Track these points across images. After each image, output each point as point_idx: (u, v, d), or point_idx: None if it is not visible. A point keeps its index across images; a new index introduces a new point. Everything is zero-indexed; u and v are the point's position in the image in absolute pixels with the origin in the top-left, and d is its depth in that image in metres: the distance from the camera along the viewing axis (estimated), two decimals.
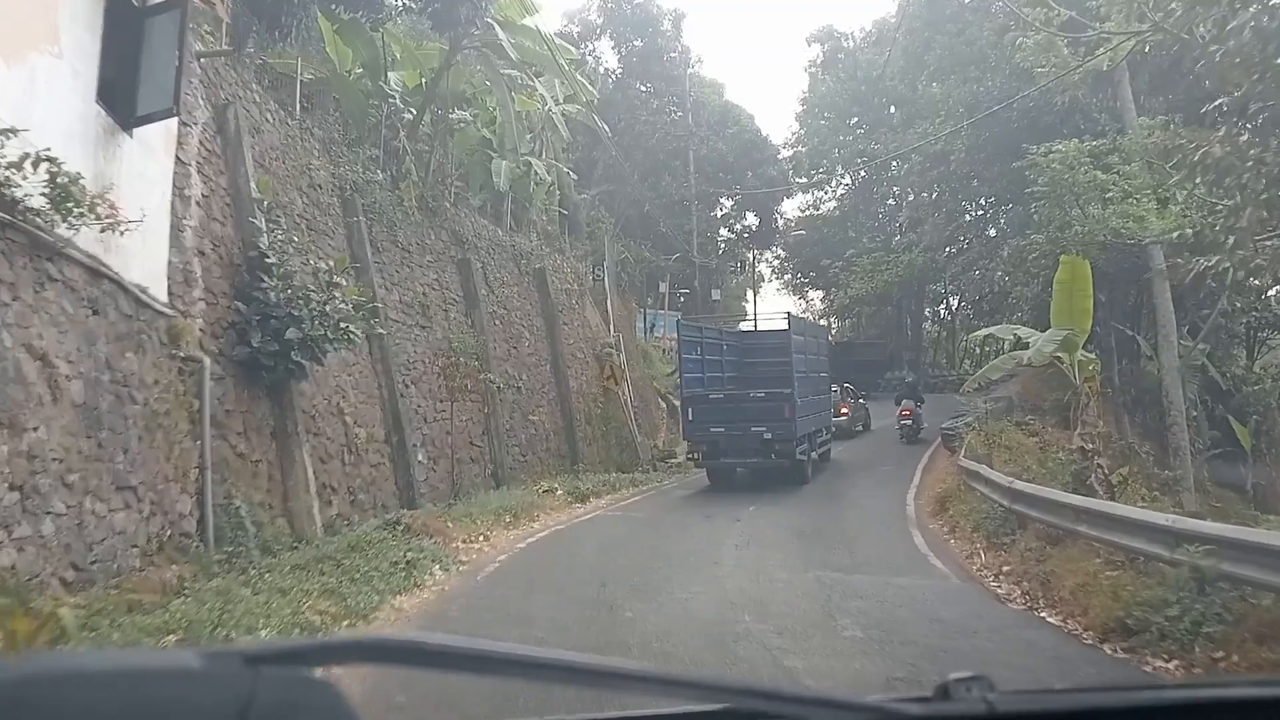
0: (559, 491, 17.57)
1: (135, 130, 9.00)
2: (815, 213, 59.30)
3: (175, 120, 9.92)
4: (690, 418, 19.75)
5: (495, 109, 22.40)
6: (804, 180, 49.29)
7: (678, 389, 23.22)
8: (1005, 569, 10.66)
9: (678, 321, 28.06)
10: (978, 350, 63.16)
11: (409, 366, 16.79)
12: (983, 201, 25.94)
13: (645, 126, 41.55)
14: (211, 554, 9.25)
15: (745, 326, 30.53)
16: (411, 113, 19.51)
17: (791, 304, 62.05)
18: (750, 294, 56.48)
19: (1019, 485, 11.85)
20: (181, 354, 9.84)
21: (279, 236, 11.93)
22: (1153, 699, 1.32)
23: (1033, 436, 19.61)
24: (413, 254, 18.15)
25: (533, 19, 21.08)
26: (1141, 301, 22.81)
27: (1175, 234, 14.97)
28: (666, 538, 13.55)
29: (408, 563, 9.75)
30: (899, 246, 40.97)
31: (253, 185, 11.87)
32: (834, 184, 60.22)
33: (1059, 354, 16.12)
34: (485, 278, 20.71)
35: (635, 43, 41.29)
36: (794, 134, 47.68)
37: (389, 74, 18.60)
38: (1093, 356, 16.53)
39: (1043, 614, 8.66)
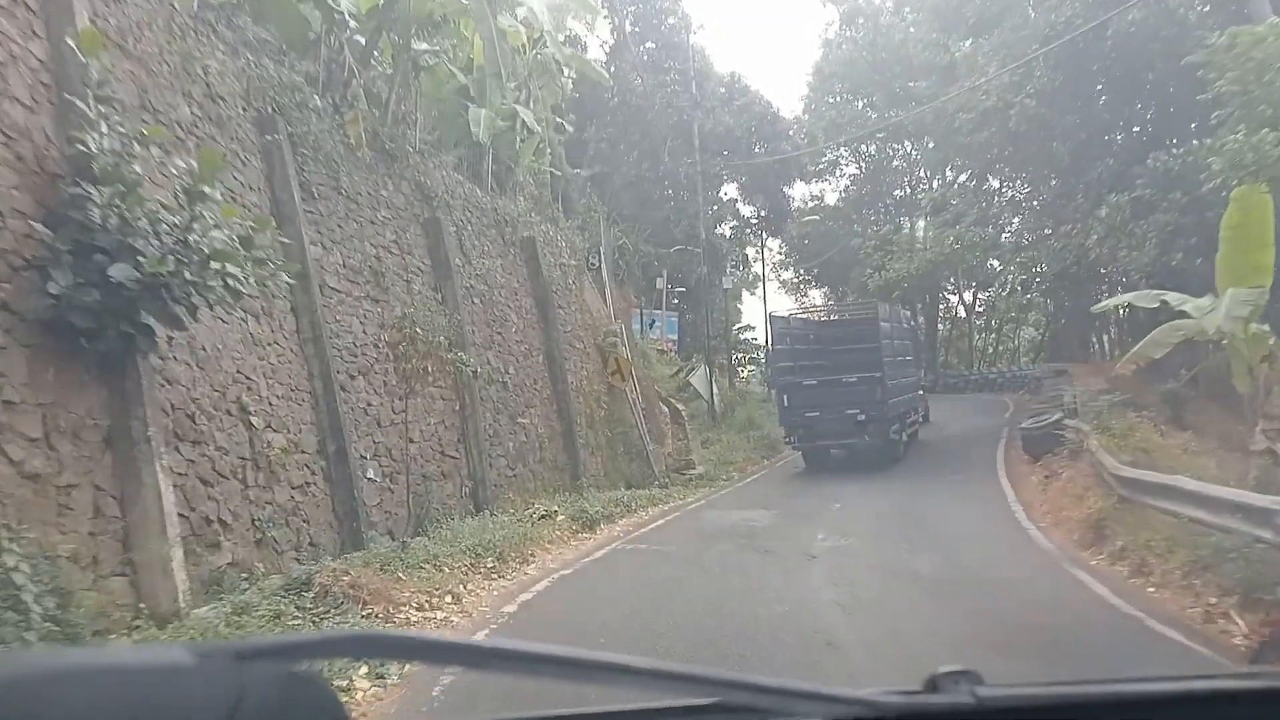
0: (559, 516, 13.17)
1: None
2: (819, 204, 55.33)
3: None
4: (786, 404, 20.90)
5: (474, 45, 18.08)
6: (812, 167, 45.11)
7: (768, 379, 25.89)
8: None
9: (768, 314, 28.20)
10: (992, 349, 59.49)
11: (355, 352, 12.37)
12: (1064, 155, 21.72)
13: (642, 100, 37.21)
14: None
15: (829, 316, 29.57)
16: (362, 39, 15.12)
17: (790, 304, 57.76)
18: (748, 294, 52.02)
19: None
20: None
21: (120, 130, 7.49)
22: (1139, 692, 1.30)
23: (1158, 435, 15.28)
24: (362, 205, 13.73)
25: None
26: None
27: None
28: (726, 589, 9.17)
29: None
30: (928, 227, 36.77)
31: (75, 49, 7.41)
32: (838, 174, 56.39)
33: (1228, 325, 11.98)
34: (460, 244, 16.30)
35: (631, 6, 36.98)
36: (804, 107, 43.37)
37: None
38: (1266, 329, 12.31)
39: None
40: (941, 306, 55.72)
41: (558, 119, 22.19)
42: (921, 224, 47.59)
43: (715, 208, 39.03)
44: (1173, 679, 1.33)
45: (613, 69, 39.07)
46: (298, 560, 9.92)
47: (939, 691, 1.17)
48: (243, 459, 9.39)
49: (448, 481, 14.08)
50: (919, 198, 47.27)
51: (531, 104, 20.78)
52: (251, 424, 9.63)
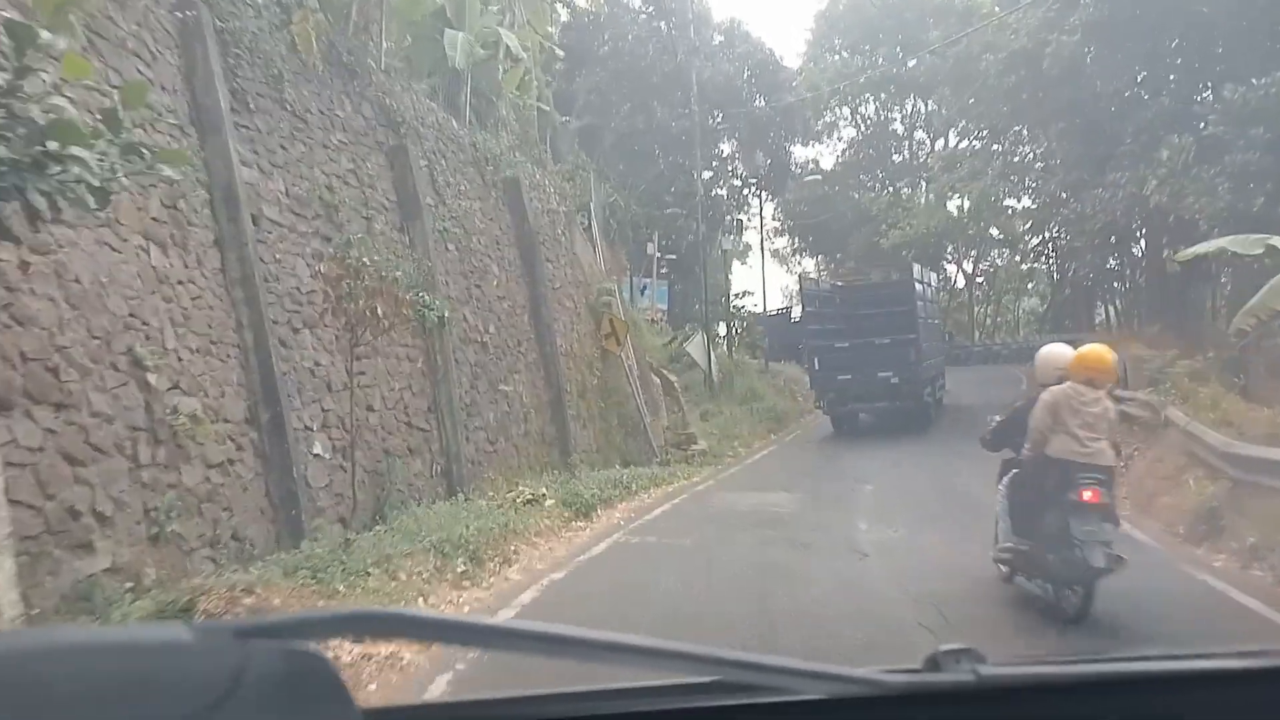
0: (548, 501, 10.93)
1: None
2: (816, 167, 52.97)
3: None
4: (817, 367, 20.89)
5: None
6: (815, 124, 42.66)
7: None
8: None
9: (800, 275, 29.40)
10: (990, 320, 57.53)
11: (300, 299, 10.05)
12: (1109, 97, 19.46)
13: (636, 46, 34.71)
14: None
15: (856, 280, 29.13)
16: None
17: (781, 275, 55.21)
18: (739, 263, 49.50)
19: None
20: None
21: None
22: (1139, 670, 1.30)
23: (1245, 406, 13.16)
24: (312, 125, 11.36)
25: None
26: None
27: None
28: (771, 604, 6.98)
29: None
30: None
31: None
32: (835, 137, 53.96)
33: None
34: (432, 179, 13.95)
35: None
36: (806, 54, 40.80)
37: None
38: None
39: None
40: (939, 276, 53.76)
41: (548, 45, 19.74)
42: (924, 186, 45.47)
43: (714, 164, 36.58)
44: (1172, 657, 1.30)
45: (605, 12, 36.58)
46: (213, 560, 7.69)
47: (940, 670, 1.16)
48: (134, 429, 7.11)
49: (415, 458, 11.83)
50: (925, 160, 45.11)
51: (516, 29, 18.37)
52: (148, 384, 7.34)
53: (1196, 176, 15.64)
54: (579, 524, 10.70)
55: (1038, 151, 25.49)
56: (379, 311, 8.36)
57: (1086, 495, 6.33)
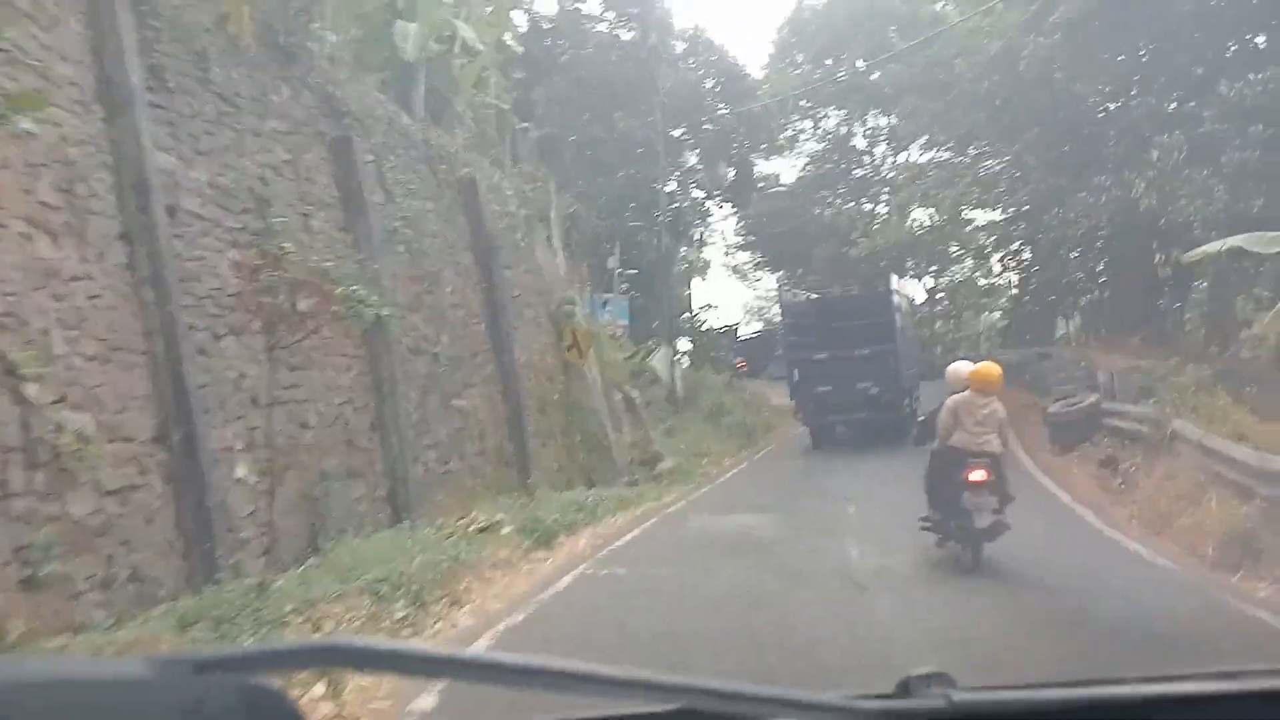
0: (505, 528, 9.79)
1: None
2: (777, 181, 52.50)
3: None
4: (797, 378, 20.75)
5: None
6: (779, 136, 42.04)
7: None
8: None
9: (779, 287, 29.29)
10: (951, 335, 57.28)
11: (222, 303, 8.86)
12: (1091, 97, 18.72)
13: (597, 51, 33.80)
14: None
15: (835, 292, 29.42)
16: None
17: (743, 291, 54.51)
18: (699, 279, 48.48)
19: None
20: None
21: None
22: (1111, 694, 1.28)
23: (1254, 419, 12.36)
24: (243, 111, 10.16)
25: None
26: None
27: None
28: (764, 654, 5.93)
29: None
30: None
31: None
32: (796, 151, 53.55)
33: None
34: (380, 176, 12.81)
35: None
36: (770, 63, 40.16)
37: None
38: None
39: None
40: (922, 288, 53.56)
41: (508, 43, 18.69)
42: (887, 201, 45.07)
43: (677, 175, 35.69)
44: (1144, 680, 1.30)
45: (563, 20, 35.68)
46: (105, 605, 6.47)
47: (912, 695, 1.15)
48: (3, 450, 5.92)
49: (357, 481, 10.64)
50: (887, 175, 44.82)
51: (474, 24, 17.29)
52: (24, 395, 6.15)
53: (1189, 178, 14.95)
54: (540, 554, 9.58)
55: (1010, 159, 24.77)
56: (297, 306, 7.16)
57: (975, 475, 8.10)
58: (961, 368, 9.17)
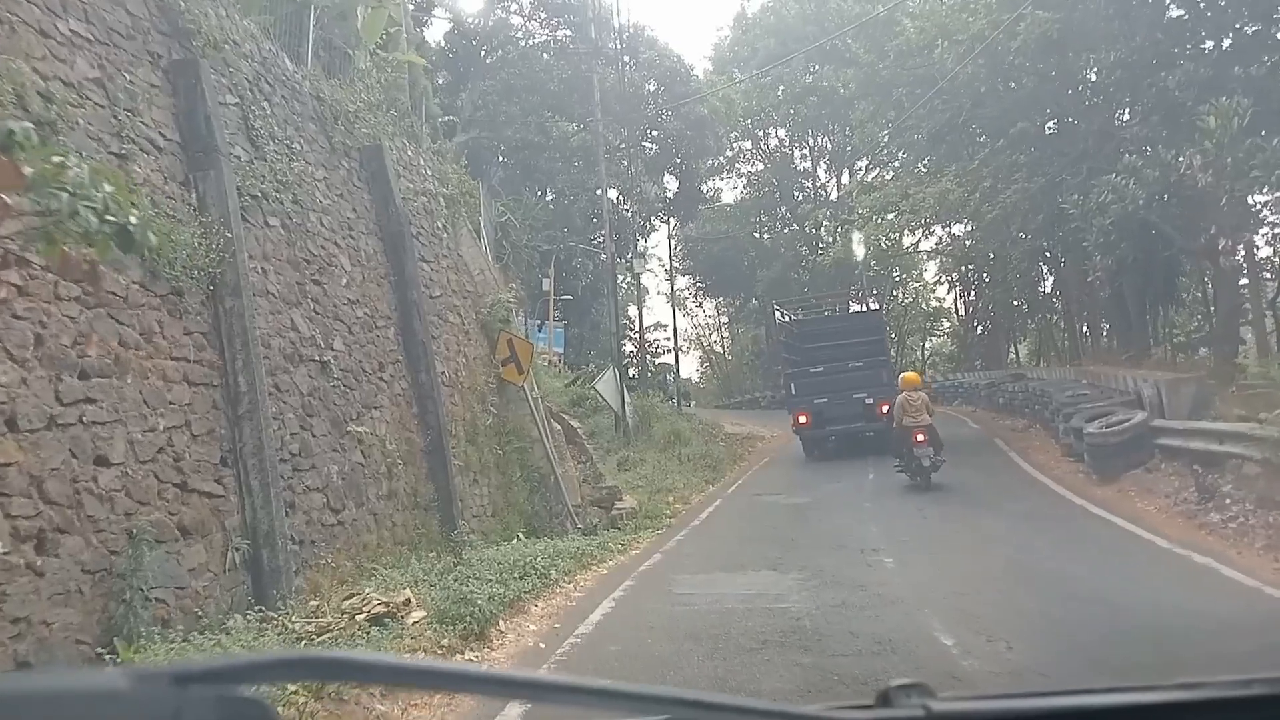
0: (415, 615, 6.38)
1: None
2: (717, 200, 50.09)
3: None
4: (794, 391, 21.49)
5: None
6: (723, 154, 39.45)
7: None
8: None
9: (773, 304, 29.39)
10: (896, 360, 55.30)
11: None
12: (1110, 69, 16.11)
13: (529, 51, 30.75)
14: None
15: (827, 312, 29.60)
16: None
17: (677, 318, 52.30)
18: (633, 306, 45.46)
19: None
20: None
21: None
22: (1085, 704, 1.24)
23: None
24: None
25: None
26: None
27: None
28: None
29: None
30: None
31: None
32: (737, 172, 51.26)
33: None
34: (246, 124, 9.41)
35: None
36: (713, 60, 37.49)
37: None
38: None
39: None
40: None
41: None
42: (830, 224, 42.86)
43: (619, 181, 32.67)
44: (1120, 690, 1.24)
45: (492, 17, 32.65)
46: None
47: (892, 705, 1.15)
48: None
49: (194, 542, 7.14)
50: (829, 197, 42.73)
51: None
52: None
53: (1260, 145, 12.34)
54: (466, 653, 6.21)
55: (982, 160, 22.23)
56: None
57: (919, 437, 14.28)
58: (905, 375, 15.86)
